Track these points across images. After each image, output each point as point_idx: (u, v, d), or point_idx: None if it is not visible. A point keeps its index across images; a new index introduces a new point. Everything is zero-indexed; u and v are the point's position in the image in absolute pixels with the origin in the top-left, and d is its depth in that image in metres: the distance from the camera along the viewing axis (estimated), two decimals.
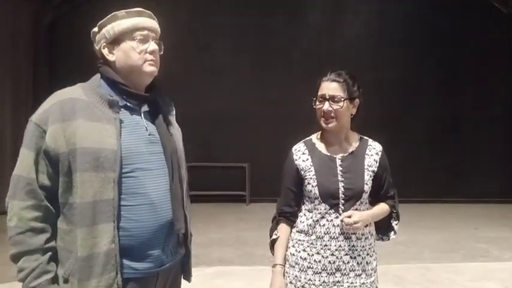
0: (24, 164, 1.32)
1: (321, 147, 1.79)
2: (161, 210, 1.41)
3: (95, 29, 1.46)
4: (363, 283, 1.73)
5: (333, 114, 1.70)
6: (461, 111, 8.49)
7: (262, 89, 8.10)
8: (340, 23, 8.43)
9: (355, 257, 1.72)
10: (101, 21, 1.44)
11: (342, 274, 1.71)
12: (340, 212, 1.71)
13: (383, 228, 1.87)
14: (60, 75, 7.08)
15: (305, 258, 1.72)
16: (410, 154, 8.21)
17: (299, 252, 1.74)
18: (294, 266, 1.74)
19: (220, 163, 7.99)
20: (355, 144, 1.81)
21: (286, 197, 1.80)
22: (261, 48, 8.20)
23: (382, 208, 1.82)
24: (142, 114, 1.45)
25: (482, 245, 5.50)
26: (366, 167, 1.77)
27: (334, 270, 1.70)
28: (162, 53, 1.49)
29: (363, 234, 1.75)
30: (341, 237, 1.70)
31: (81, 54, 7.79)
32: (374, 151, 1.82)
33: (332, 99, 1.70)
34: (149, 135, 1.44)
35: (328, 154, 1.77)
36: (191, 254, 1.60)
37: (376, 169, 1.79)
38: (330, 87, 1.72)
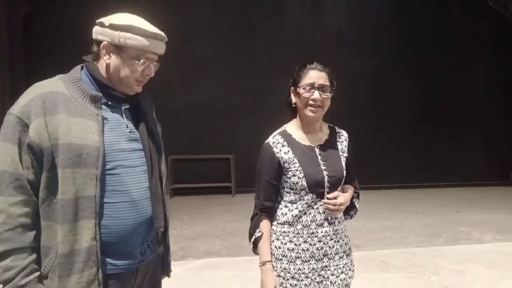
0: (9, 159, 1.27)
1: (298, 137, 1.79)
2: (141, 207, 1.41)
3: (103, 22, 1.39)
4: (345, 263, 1.81)
5: (320, 103, 1.71)
6: (442, 98, 8.62)
7: (244, 80, 8.07)
8: (320, 13, 8.42)
9: (338, 241, 1.79)
10: (114, 20, 1.37)
11: (328, 258, 1.75)
12: (325, 199, 1.74)
13: (346, 208, 1.90)
14: (37, 69, 6.91)
15: (292, 249, 1.72)
16: (392, 141, 8.32)
17: (285, 244, 1.74)
18: (281, 259, 1.74)
19: (205, 155, 7.96)
20: (326, 133, 1.85)
21: (267, 192, 1.76)
22: (242, 39, 8.15)
23: (352, 190, 1.88)
24: (122, 112, 1.45)
25: (464, 228, 5.62)
26: (340, 153, 1.82)
27: (321, 256, 1.74)
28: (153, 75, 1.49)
29: (341, 218, 1.82)
30: (326, 223, 1.75)
31: (57, 47, 7.66)
32: (343, 137, 1.88)
33: (322, 88, 1.71)
34: (129, 132, 1.43)
35: (307, 144, 1.78)
36: (170, 250, 1.63)
37: (346, 154, 1.85)
38: (320, 76, 1.72)
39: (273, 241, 1.76)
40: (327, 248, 1.75)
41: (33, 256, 1.30)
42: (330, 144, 1.81)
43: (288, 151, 1.74)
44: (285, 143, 1.76)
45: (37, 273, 1.29)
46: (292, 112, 1.82)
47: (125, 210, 1.37)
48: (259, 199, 1.78)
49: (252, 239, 1.78)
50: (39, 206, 1.31)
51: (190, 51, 8.08)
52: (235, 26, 8.14)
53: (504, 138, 8.82)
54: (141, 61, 1.40)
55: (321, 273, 1.74)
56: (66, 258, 1.29)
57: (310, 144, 1.78)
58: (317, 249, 1.73)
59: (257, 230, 1.76)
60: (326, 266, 1.74)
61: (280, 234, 1.75)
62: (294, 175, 1.72)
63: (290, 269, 1.72)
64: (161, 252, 1.58)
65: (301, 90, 1.72)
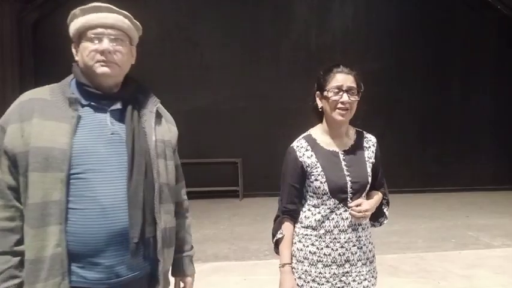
0: None
1: (322, 142, 1.77)
2: (113, 217, 1.29)
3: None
4: (369, 270, 1.79)
5: (348, 106, 1.69)
6: (449, 102, 8.58)
7: (252, 84, 8.10)
8: (327, 17, 8.44)
9: (361, 247, 1.76)
10: (68, 19, 1.39)
11: (350, 265, 1.74)
12: (348, 205, 1.73)
13: (375, 215, 1.89)
14: (46, 73, 6.97)
15: (314, 252, 1.72)
16: (401, 145, 8.29)
17: (307, 246, 1.73)
18: (302, 261, 1.73)
19: (213, 159, 7.99)
20: (353, 138, 1.82)
21: (290, 195, 1.75)
22: (250, 43, 8.19)
23: (378, 196, 1.85)
24: (108, 113, 1.37)
25: (473, 233, 5.58)
26: (366, 159, 1.79)
27: (343, 262, 1.72)
28: (120, 48, 1.37)
29: (366, 224, 1.79)
30: (349, 230, 1.73)
31: (66, 52, 7.70)
32: (371, 143, 1.85)
33: (350, 90, 1.68)
34: (111, 134, 1.34)
35: (331, 149, 1.76)
36: (160, 263, 1.40)
37: (374, 160, 1.81)
38: (347, 78, 1.69)
39: (295, 243, 1.76)
40: (349, 254, 1.73)
41: (14, 261, 1.27)
42: (356, 149, 1.79)
43: (312, 155, 1.73)
44: (309, 147, 1.75)
45: (16, 280, 1.27)
46: (318, 117, 1.81)
47: (92, 218, 1.27)
48: (282, 201, 1.77)
49: (274, 240, 1.79)
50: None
51: (198, 56, 8.13)
52: (242, 30, 8.19)
53: None
54: (89, 36, 1.34)
55: (342, 278, 1.72)
56: (32, 264, 1.25)
57: (334, 149, 1.76)
58: (339, 254, 1.72)
59: (279, 232, 1.76)
60: (348, 272, 1.73)
61: (303, 237, 1.74)
62: (316, 180, 1.71)
63: (311, 271, 1.71)
64: (150, 269, 1.40)
65: (329, 94, 1.68)
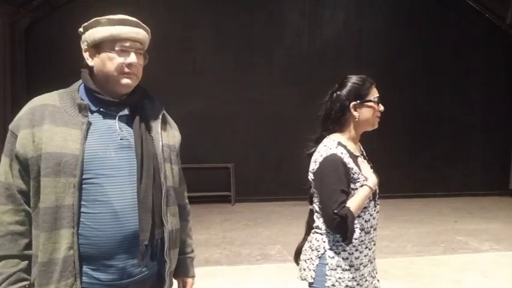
0: (2, 169, 1.34)
1: (352, 149, 1.83)
2: (125, 220, 1.34)
3: (80, 30, 1.43)
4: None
5: None
6: (440, 108, 8.69)
7: (244, 89, 8.12)
8: (319, 23, 8.52)
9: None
10: (86, 23, 1.40)
11: (374, 259, 1.86)
12: (376, 204, 1.84)
13: None
14: (38, 78, 6.97)
15: (358, 257, 1.77)
16: (391, 151, 8.36)
17: (352, 253, 1.75)
18: (348, 269, 1.74)
19: (205, 164, 7.99)
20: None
21: (344, 201, 1.69)
22: (242, 48, 8.22)
23: None
24: (117, 119, 1.41)
25: (462, 238, 5.65)
26: (368, 160, 1.94)
27: (372, 259, 1.85)
28: (146, 62, 1.46)
29: None
30: (377, 227, 1.86)
31: (59, 57, 7.73)
32: (361, 146, 2.01)
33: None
34: (121, 139, 1.39)
35: (357, 155, 1.85)
36: (166, 264, 1.45)
37: None
38: None
39: (339, 253, 1.75)
40: (375, 251, 1.86)
41: (22, 265, 1.32)
42: (363, 152, 1.95)
43: (352, 162, 1.77)
44: (348, 154, 1.77)
45: (24, 283, 1.32)
46: (340, 126, 1.85)
47: (105, 222, 1.31)
48: (338, 205, 1.67)
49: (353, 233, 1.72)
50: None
51: (190, 61, 8.16)
52: (235, 36, 8.22)
53: (502, 149, 8.87)
54: (116, 49, 1.37)
55: (371, 274, 1.84)
56: (45, 267, 1.28)
57: (358, 154, 1.86)
58: (372, 252, 1.83)
59: (354, 223, 1.70)
60: (374, 267, 1.86)
61: (347, 245, 1.75)
62: (362, 185, 1.75)
63: (356, 276, 1.76)
64: (159, 267, 1.46)
65: (373, 104, 1.87)
